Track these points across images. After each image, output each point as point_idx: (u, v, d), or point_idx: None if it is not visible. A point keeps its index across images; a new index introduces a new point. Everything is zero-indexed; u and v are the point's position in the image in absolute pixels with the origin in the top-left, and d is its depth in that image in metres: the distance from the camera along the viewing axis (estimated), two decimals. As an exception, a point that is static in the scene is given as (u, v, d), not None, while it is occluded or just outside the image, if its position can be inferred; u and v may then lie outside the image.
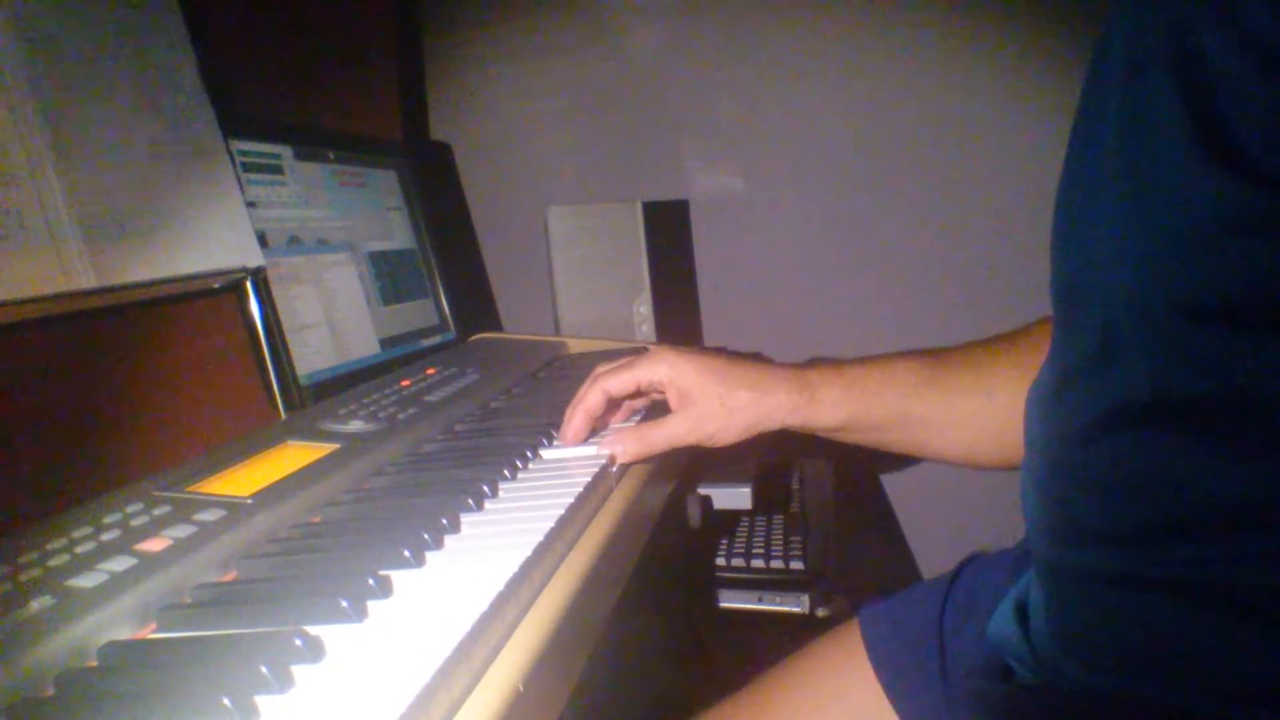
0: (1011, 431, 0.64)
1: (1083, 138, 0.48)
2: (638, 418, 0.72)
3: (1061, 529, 0.48)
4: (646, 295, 1.13)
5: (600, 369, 0.67)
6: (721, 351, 0.70)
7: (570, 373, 0.94)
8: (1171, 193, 0.39)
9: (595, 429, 0.68)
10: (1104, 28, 0.47)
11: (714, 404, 0.63)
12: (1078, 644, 0.48)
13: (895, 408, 0.65)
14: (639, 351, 0.87)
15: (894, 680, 0.66)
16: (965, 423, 0.66)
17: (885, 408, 0.65)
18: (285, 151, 0.85)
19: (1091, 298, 0.44)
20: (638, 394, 0.68)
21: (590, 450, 0.63)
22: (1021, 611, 0.54)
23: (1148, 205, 0.40)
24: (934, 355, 0.67)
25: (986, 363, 0.66)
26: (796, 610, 0.90)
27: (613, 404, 0.68)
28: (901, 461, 1.28)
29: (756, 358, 0.71)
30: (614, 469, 0.61)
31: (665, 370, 0.64)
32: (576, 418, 0.65)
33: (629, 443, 0.62)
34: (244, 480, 0.54)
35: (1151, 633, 0.43)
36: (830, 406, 0.64)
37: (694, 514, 0.88)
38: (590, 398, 0.65)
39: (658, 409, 0.70)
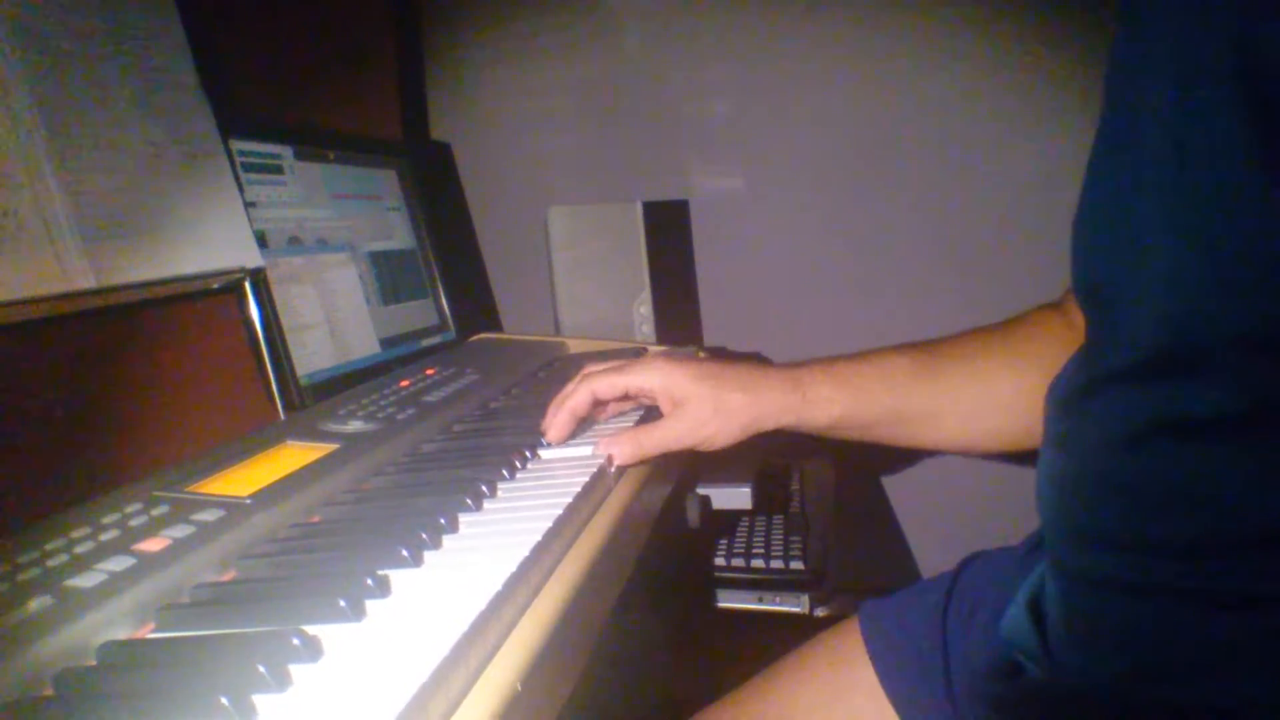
0: (1008, 420, 0.65)
1: (1113, 143, 0.46)
2: (635, 417, 0.72)
3: (1085, 534, 0.47)
4: (646, 295, 1.13)
5: (590, 368, 0.67)
6: (712, 356, 0.70)
7: (570, 373, 0.94)
8: (1236, 217, 0.37)
9: (580, 427, 0.68)
10: (1123, 34, 0.45)
11: (707, 408, 0.63)
12: (1093, 645, 0.48)
13: (888, 403, 0.65)
14: (635, 353, 0.87)
15: (894, 679, 0.66)
16: (959, 414, 0.66)
17: (878, 404, 0.65)
18: (285, 151, 0.85)
19: (1134, 309, 0.43)
20: (625, 398, 0.68)
21: (587, 450, 0.63)
22: (1034, 607, 0.54)
23: (1207, 228, 0.39)
24: (926, 348, 0.67)
25: (980, 353, 0.66)
26: (796, 610, 0.90)
27: (599, 404, 0.68)
28: (902, 461, 1.28)
29: (753, 359, 0.71)
30: (612, 470, 0.61)
31: (657, 379, 0.64)
32: (562, 416, 0.65)
33: (623, 445, 0.62)
34: (243, 480, 0.54)
35: (1172, 639, 0.43)
36: (823, 405, 0.64)
37: (693, 514, 0.88)
38: (577, 397, 0.65)
39: (652, 411, 0.70)
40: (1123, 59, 0.46)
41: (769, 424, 0.65)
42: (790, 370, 0.66)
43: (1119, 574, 0.45)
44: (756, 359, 1.26)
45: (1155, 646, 0.44)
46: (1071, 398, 0.49)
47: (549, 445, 0.65)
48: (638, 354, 0.96)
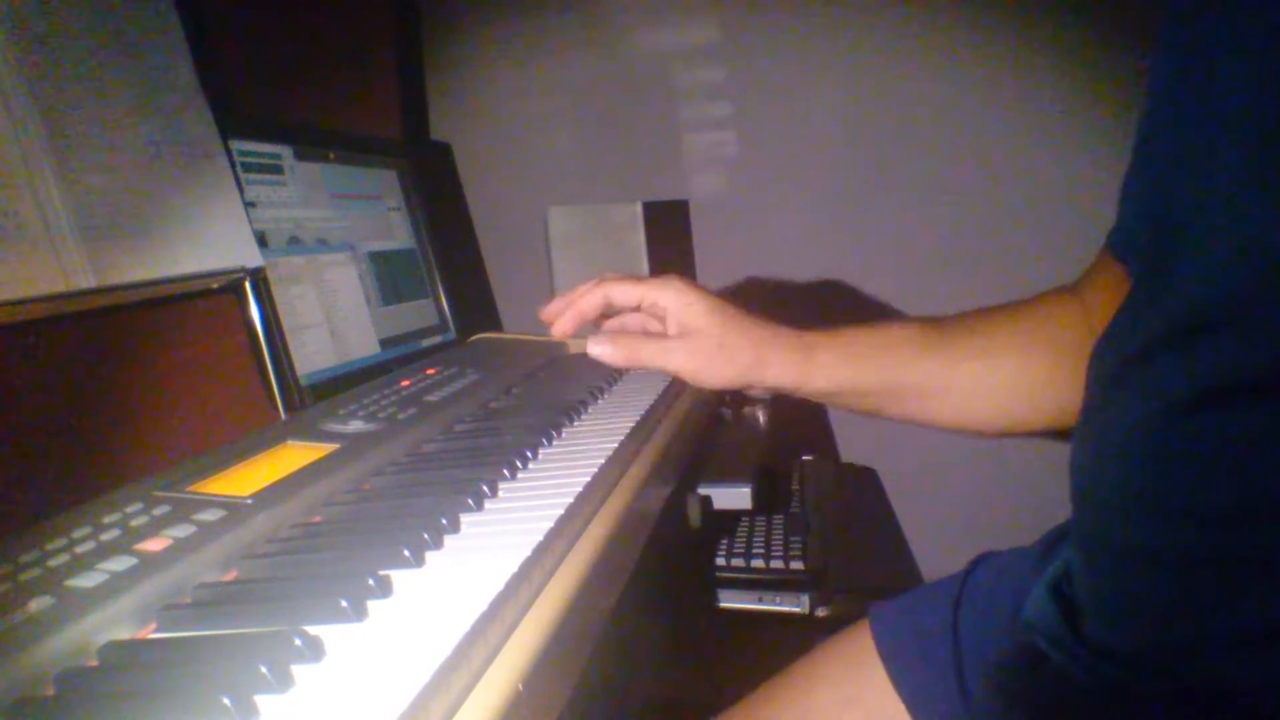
0: (1012, 400, 0.64)
1: (1180, 90, 0.45)
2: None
3: (1132, 505, 0.45)
4: (646, 295, 1.13)
5: (610, 275, 0.67)
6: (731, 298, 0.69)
7: (570, 373, 0.94)
8: None
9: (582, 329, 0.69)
10: None
11: (712, 341, 0.63)
12: (1131, 620, 0.47)
13: (891, 373, 0.64)
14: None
15: (906, 679, 0.65)
16: (963, 390, 0.65)
17: (881, 373, 0.64)
18: (285, 151, 0.85)
19: (1204, 260, 0.41)
20: (638, 309, 0.67)
21: (587, 450, 0.63)
22: (1057, 591, 0.53)
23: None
24: (934, 322, 0.66)
25: (988, 330, 0.65)
26: (796, 610, 0.90)
27: (608, 313, 0.68)
28: (902, 461, 1.28)
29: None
30: (596, 354, 0.61)
31: (672, 296, 0.64)
32: (570, 313, 0.65)
33: (620, 345, 0.62)
34: (244, 480, 0.54)
35: (1220, 610, 0.42)
36: (825, 369, 0.64)
37: (694, 514, 0.88)
38: (589, 298, 0.65)
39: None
40: (1189, 11, 0.44)
41: (767, 379, 0.64)
42: (799, 332, 0.65)
43: (1167, 544, 0.43)
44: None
45: (1198, 618, 0.43)
46: (1122, 363, 0.47)
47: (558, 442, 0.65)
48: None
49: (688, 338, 0.63)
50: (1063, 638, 0.51)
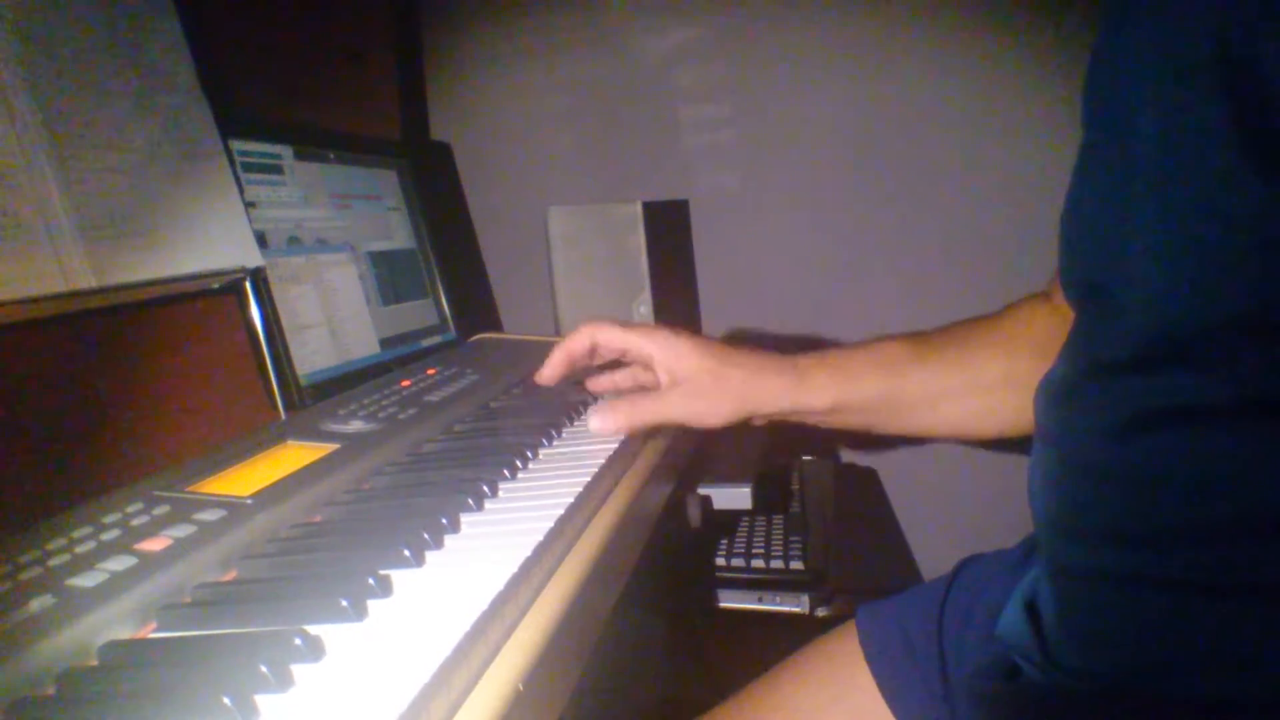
0: (1000, 402, 0.66)
1: (1101, 137, 0.47)
2: None
3: (1077, 528, 0.47)
4: (646, 295, 1.13)
5: (599, 320, 0.68)
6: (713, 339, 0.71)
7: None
8: (1220, 204, 0.38)
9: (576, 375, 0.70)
10: (1107, 33, 0.46)
11: (706, 379, 0.64)
12: (1090, 642, 0.48)
13: (882, 388, 0.67)
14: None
15: (891, 682, 0.66)
16: (955, 396, 0.67)
17: (873, 388, 0.66)
18: (285, 151, 0.85)
19: (1125, 300, 0.44)
20: (620, 362, 0.69)
21: (588, 450, 0.63)
22: (1031, 608, 0.54)
23: (1193, 216, 0.39)
24: (919, 336, 0.69)
25: (973, 336, 0.68)
26: (796, 610, 0.90)
27: (596, 355, 0.69)
28: (902, 462, 1.28)
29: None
30: (604, 433, 0.62)
31: (658, 345, 0.65)
32: (556, 354, 0.67)
33: (619, 410, 0.63)
34: (244, 480, 0.54)
35: (1172, 631, 0.43)
36: (819, 389, 0.65)
37: (694, 514, 0.88)
38: (575, 339, 0.67)
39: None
40: (1109, 57, 0.46)
41: (766, 405, 0.65)
42: (788, 357, 0.67)
43: (1113, 567, 0.45)
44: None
45: (1152, 640, 0.44)
46: (1063, 390, 0.49)
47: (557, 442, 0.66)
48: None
49: (680, 384, 0.64)
50: (1034, 654, 0.51)
